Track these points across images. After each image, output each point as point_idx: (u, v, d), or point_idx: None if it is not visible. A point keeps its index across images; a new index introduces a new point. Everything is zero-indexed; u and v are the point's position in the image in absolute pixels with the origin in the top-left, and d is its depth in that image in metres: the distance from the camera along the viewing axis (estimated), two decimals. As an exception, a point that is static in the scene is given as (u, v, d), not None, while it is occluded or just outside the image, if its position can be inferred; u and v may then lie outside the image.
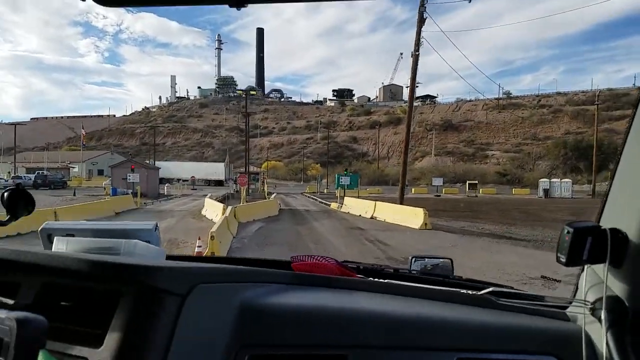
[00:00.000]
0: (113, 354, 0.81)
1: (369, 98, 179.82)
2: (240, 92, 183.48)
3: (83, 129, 57.80)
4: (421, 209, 18.02)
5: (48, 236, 1.40)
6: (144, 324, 0.83)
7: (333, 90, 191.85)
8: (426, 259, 1.82)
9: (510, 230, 17.17)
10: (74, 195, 35.15)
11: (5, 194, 1.08)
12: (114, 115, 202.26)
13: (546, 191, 43.07)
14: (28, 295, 0.96)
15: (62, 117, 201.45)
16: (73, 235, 1.36)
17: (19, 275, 1.01)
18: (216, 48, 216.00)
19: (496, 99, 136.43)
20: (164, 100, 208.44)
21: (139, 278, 0.89)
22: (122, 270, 0.92)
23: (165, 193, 42.21)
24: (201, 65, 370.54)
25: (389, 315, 1.04)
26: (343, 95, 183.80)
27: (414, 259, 1.81)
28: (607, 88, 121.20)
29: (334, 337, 0.97)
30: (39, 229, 1.41)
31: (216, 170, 74.70)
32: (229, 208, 18.10)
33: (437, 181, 48.41)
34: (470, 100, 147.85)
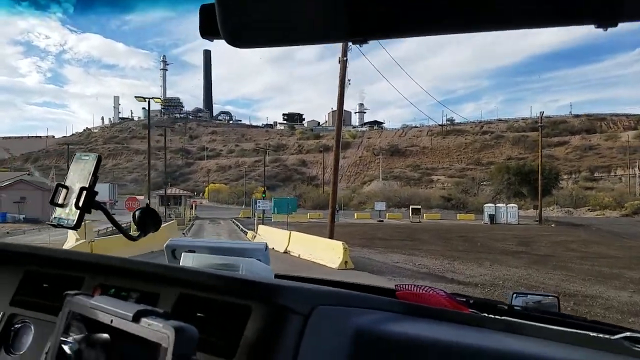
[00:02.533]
0: None
1: (319, 122, 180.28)
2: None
3: None
4: (340, 244, 14.69)
5: (172, 252, 1.53)
6: (273, 339, 0.87)
7: (283, 114, 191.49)
8: (528, 296, 1.69)
9: (454, 267, 14.70)
10: None
11: (137, 212, 1.17)
12: (53, 137, 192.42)
13: (492, 217, 42.01)
14: (166, 305, 1.02)
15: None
16: (194, 252, 1.47)
17: (159, 287, 1.08)
18: (161, 69, 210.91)
19: (440, 125, 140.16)
20: (106, 121, 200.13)
21: (268, 296, 0.93)
22: (253, 287, 0.97)
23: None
24: (148, 87, 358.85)
25: (510, 355, 0.97)
26: (293, 119, 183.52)
27: (515, 295, 1.67)
28: (545, 116, 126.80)
29: None
30: (165, 245, 1.55)
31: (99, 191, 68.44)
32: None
33: (380, 206, 46.60)
34: (415, 127, 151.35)
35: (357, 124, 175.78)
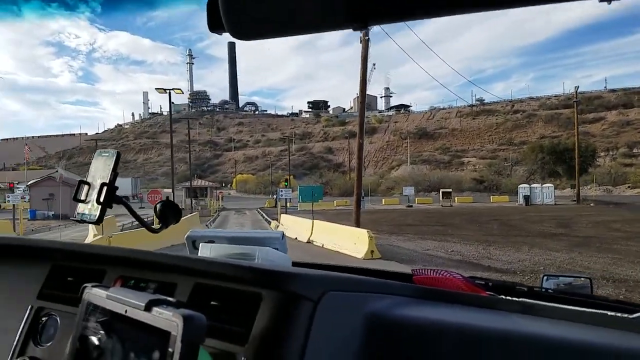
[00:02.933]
0: (257, 351, 0.87)
1: (344, 109, 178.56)
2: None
3: (26, 145, 52.89)
4: (365, 232, 13.78)
5: (193, 242, 1.59)
6: (283, 325, 0.89)
7: (308, 102, 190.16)
8: (560, 278, 1.67)
9: (489, 253, 13.47)
10: None
11: (158, 205, 1.21)
12: (86, 134, 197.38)
13: (527, 198, 40.12)
14: (183, 295, 1.06)
15: (33, 137, 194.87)
16: (213, 242, 1.54)
17: (176, 277, 1.12)
18: (187, 63, 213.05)
19: (469, 105, 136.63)
20: (137, 117, 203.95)
21: (278, 283, 0.95)
22: (263, 275, 0.99)
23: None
24: (176, 82, 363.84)
25: (528, 337, 0.96)
26: (318, 106, 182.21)
27: (545, 277, 1.64)
28: (580, 91, 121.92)
29: (468, 356, 0.92)
30: (185, 237, 1.62)
31: (120, 185, 68.66)
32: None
33: (408, 191, 45.27)
34: (443, 108, 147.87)
35: (383, 109, 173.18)
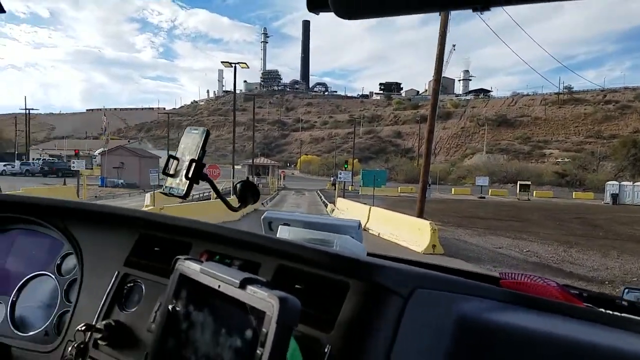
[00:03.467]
0: (343, 339, 0.86)
1: (418, 91, 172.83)
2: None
3: (105, 116, 55.37)
4: (428, 224, 12.04)
5: (269, 224, 1.60)
6: (372, 317, 0.87)
7: (380, 84, 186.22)
8: None
9: (571, 257, 11.42)
10: (64, 184, 31.65)
11: (238, 185, 1.24)
12: (164, 108, 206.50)
13: (615, 196, 35.75)
14: (267, 275, 1.06)
15: (115, 109, 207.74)
16: (289, 225, 1.53)
17: (260, 257, 1.12)
18: (262, 42, 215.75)
19: (556, 93, 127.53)
20: (211, 94, 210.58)
21: (367, 274, 0.93)
22: (351, 264, 0.97)
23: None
24: (251, 61, 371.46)
25: (628, 355, 0.90)
26: (390, 88, 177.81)
27: (627, 290, 1.46)
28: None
29: None
30: (262, 218, 1.61)
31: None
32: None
33: (482, 180, 41.66)
34: (527, 95, 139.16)
35: (460, 93, 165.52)
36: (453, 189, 46.84)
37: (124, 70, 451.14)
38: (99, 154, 40.59)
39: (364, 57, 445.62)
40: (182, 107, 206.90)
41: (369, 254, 1.48)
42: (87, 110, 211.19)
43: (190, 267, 0.84)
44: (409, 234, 12.74)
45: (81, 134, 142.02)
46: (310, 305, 0.94)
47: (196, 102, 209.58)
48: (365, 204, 25.52)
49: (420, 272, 1.01)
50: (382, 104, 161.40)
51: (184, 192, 1.07)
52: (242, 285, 0.71)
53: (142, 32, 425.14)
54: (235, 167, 53.08)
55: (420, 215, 17.39)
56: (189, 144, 1.11)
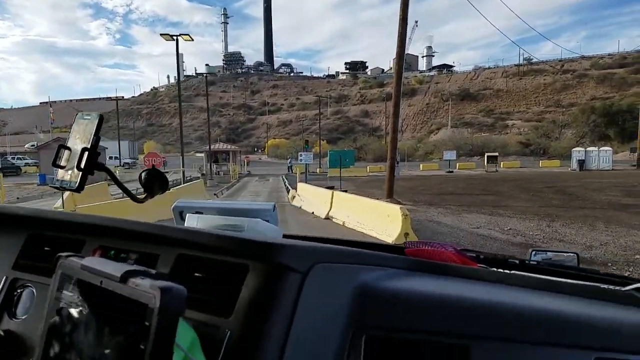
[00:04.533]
0: (241, 323, 0.86)
1: (383, 69, 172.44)
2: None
3: (50, 107, 52.20)
4: (398, 209, 10.53)
5: (180, 213, 1.55)
6: (269, 297, 0.88)
7: (346, 63, 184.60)
8: (548, 252, 1.70)
9: (558, 232, 10.57)
10: None
11: (143, 173, 1.18)
12: (123, 97, 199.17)
13: (581, 163, 36.01)
14: (165, 266, 1.05)
15: (71, 101, 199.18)
16: (202, 213, 1.48)
17: (158, 248, 1.10)
18: (222, 22, 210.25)
19: (516, 65, 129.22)
20: (172, 80, 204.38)
21: (265, 254, 0.94)
22: (250, 246, 0.97)
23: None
24: (212, 44, 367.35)
25: (515, 307, 0.98)
26: (356, 68, 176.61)
27: (534, 252, 1.68)
28: (636, 49, 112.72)
29: (456, 326, 0.93)
30: (172, 207, 1.55)
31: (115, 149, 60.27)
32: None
33: (449, 155, 41.49)
34: (489, 68, 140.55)
35: (424, 69, 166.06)
36: (421, 165, 46.52)
37: (78, 59, 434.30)
38: (31, 147, 37.36)
39: (328, 37, 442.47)
40: (141, 94, 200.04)
41: (285, 236, 1.47)
42: (40, 103, 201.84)
43: (71, 265, 0.80)
44: (377, 221, 11.25)
45: (35, 129, 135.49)
46: (211, 291, 0.94)
47: (156, 88, 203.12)
48: (331, 187, 24.63)
49: (321, 247, 1.02)
50: (349, 83, 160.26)
51: (76, 184, 1.00)
52: (123, 279, 0.69)
53: (97, 18, 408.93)
54: (198, 154, 50.88)
55: (390, 195, 16.75)
56: (81, 132, 1.03)
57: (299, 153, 28.88)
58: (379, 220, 11.07)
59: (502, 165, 40.42)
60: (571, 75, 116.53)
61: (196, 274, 1.00)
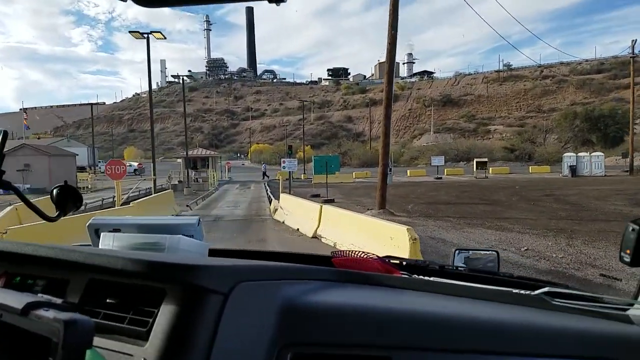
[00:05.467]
0: (158, 350, 0.83)
1: (365, 76, 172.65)
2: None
3: (25, 112, 49.88)
4: (405, 230, 8.27)
5: (95, 231, 1.46)
6: (188, 321, 0.85)
7: (328, 70, 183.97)
8: (470, 252, 1.81)
9: (584, 254, 8.98)
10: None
11: (54, 190, 1.12)
12: (104, 103, 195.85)
13: (573, 168, 35.33)
14: (76, 292, 1.00)
15: (52, 107, 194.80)
16: (119, 230, 1.41)
17: (68, 273, 1.04)
18: (204, 29, 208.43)
19: (496, 71, 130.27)
20: (154, 86, 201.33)
21: (182, 277, 0.91)
22: (166, 269, 0.93)
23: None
24: (195, 51, 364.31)
25: (435, 316, 1.01)
26: (338, 74, 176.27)
27: (457, 252, 1.78)
28: (612, 56, 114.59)
29: (378, 337, 0.95)
30: (87, 224, 1.46)
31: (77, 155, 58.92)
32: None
33: (437, 160, 40.70)
34: (469, 74, 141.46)
35: (405, 75, 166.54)
36: (409, 171, 45.62)
37: (60, 65, 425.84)
38: None
39: (310, 44, 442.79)
40: (123, 100, 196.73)
41: (212, 251, 1.44)
42: (20, 109, 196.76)
43: None
44: (378, 244, 8.88)
45: (14, 135, 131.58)
46: (124, 319, 0.90)
47: (138, 94, 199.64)
48: (317, 195, 23.03)
49: (243, 266, 1.00)
50: (331, 89, 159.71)
51: None
52: (25, 312, 0.64)
53: (78, 25, 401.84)
54: (179, 160, 48.41)
55: (382, 205, 15.54)
56: None
57: (282, 159, 26.32)
58: (380, 244, 8.99)
59: (490, 171, 39.68)
60: (551, 80, 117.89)
61: (109, 300, 0.96)
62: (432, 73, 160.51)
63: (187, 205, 20.16)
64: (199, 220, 1.47)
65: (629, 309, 1.16)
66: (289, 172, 25.69)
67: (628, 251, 1.01)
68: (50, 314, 0.62)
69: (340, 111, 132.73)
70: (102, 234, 1.37)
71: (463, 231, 11.99)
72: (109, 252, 1.08)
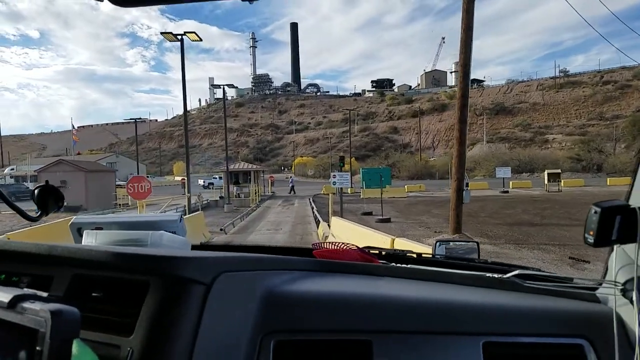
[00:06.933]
0: (143, 341, 0.84)
1: (410, 86, 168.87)
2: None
3: (74, 127, 50.19)
4: None
5: (78, 230, 1.47)
6: (171, 312, 0.86)
7: (372, 81, 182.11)
8: (451, 243, 1.84)
9: None
10: None
11: (36, 190, 1.14)
12: (156, 120, 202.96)
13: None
14: (60, 287, 1.01)
15: (107, 124, 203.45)
16: (101, 229, 1.41)
17: (52, 269, 1.05)
18: (251, 46, 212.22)
19: (552, 77, 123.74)
20: (203, 103, 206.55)
21: (165, 268, 0.92)
22: (149, 262, 0.95)
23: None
24: (242, 68, 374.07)
25: (412, 300, 1.04)
26: (383, 85, 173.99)
27: (438, 243, 1.81)
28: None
29: (358, 322, 0.98)
30: (69, 223, 1.48)
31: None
32: None
33: (503, 172, 36.44)
34: (522, 81, 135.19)
35: (453, 84, 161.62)
36: (469, 183, 41.84)
37: (116, 85, 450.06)
38: (36, 172, 33.23)
39: (353, 57, 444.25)
40: (174, 117, 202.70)
41: (194, 247, 1.43)
42: (78, 127, 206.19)
43: None
44: None
45: (68, 152, 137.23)
46: (110, 311, 0.92)
47: (188, 111, 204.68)
48: (369, 213, 19.80)
49: (225, 257, 1.02)
50: (376, 100, 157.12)
51: None
52: (12, 304, 0.64)
53: (133, 46, 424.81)
54: (218, 175, 46.65)
55: (458, 229, 12.65)
56: None
57: (332, 173, 21.32)
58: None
59: (562, 184, 35.18)
60: (612, 86, 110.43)
61: (94, 294, 0.97)
62: (482, 81, 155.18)
63: (221, 229, 17.09)
64: (181, 216, 1.49)
65: (597, 288, 1.20)
66: (340, 188, 21.05)
67: (591, 232, 1.05)
68: (36, 305, 0.62)
69: (385, 122, 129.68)
70: (84, 231, 1.35)
71: (576, 268, 8.89)
72: (92, 247, 1.09)
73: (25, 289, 0.68)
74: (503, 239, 12.59)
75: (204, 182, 54.20)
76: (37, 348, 0.59)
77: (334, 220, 14.11)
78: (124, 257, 0.96)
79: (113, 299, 0.94)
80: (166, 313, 0.86)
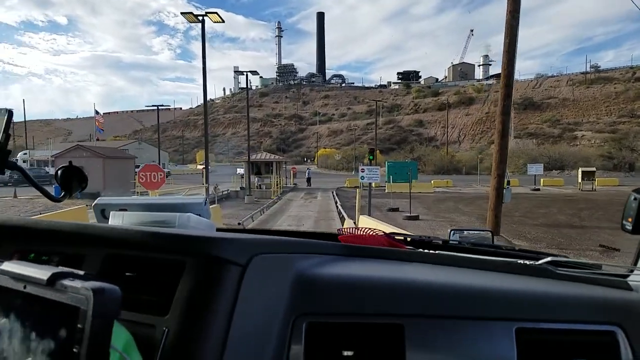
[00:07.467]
0: (179, 321, 0.85)
1: (437, 79, 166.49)
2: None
3: (97, 113, 50.65)
4: None
5: (102, 211, 1.46)
6: (208, 292, 0.87)
7: (398, 73, 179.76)
8: (465, 232, 1.84)
9: None
10: (15, 196, 24.83)
11: (59, 171, 1.13)
12: (180, 108, 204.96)
13: None
14: (93, 267, 1.01)
15: (131, 111, 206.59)
16: (126, 210, 1.40)
17: (84, 248, 1.05)
18: (276, 36, 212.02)
19: (582, 73, 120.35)
20: (227, 92, 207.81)
21: (202, 249, 0.93)
22: (186, 242, 0.96)
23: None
24: (267, 58, 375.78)
25: (443, 285, 1.05)
26: (409, 77, 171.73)
27: (452, 232, 1.82)
28: None
29: (389, 306, 0.99)
30: (93, 204, 1.47)
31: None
32: None
33: (535, 169, 35.28)
34: (552, 76, 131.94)
35: (481, 78, 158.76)
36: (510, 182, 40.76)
37: (142, 73, 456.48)
38: (53, 157, 32.98)
39: (379, 48, 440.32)
40: (198, 106, 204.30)
41: (219, 230, 1.43)
42: (103, 113, 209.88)
43: None
44: None
45: (92, 137, 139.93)
46: (145, 291, 0.92)
47: (212, 100, 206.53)
48: (395, 210, 19.81)
49: (259, 239, 1.03)
50: (401, 93, 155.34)
51: None
52: (51, 282, 0.63)
53: (159, 34, 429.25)
54: (238, 171, 46.46)
55: (496, 231, 12.30)
56: None
57: (360, 167, 19.19)
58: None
59: (596, 183, 34.21)
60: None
61: (127, 274, 0.97)
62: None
63: (239, 223, 16.33)
64: (206, 199, 1.50)
65: (629, 275, 1.20)
66: (369, 184, 18.49)
67: (630, 219, 1.03)
68: (76, 283, 0.62)
69: (410, 115, 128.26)
70: (111, 212, 1.34)
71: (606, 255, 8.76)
72: (126, 227, 1.09)
73: (60, 267, 0.68)
74: (544, 242, 12.26)
75: (242, 171, 53.32)
76: (79, 326, 0.59)
77: (362, 219, 13.39)
78: (161, 237, 0.96)
79: (147, 279, 0.94)
80: (202, 293, 0.86)
